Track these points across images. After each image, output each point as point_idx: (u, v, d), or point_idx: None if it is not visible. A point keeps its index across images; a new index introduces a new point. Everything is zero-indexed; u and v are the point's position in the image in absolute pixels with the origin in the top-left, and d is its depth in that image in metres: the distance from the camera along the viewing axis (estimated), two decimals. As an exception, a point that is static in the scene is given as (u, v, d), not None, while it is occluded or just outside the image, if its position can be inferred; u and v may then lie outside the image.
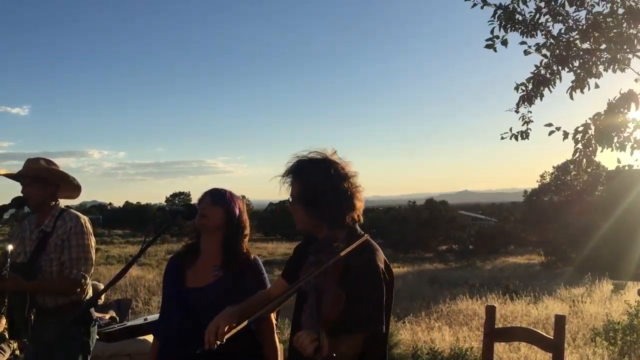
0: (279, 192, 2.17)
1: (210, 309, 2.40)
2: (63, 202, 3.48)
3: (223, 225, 2.52)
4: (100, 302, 5.99)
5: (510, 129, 5.93)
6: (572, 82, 5.72)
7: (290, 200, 2.13)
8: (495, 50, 5.62)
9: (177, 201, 66.29)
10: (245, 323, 2.03)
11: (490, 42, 5.63)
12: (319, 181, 2.05)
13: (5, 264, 3.01)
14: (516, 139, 5.93)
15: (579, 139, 5.48)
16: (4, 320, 4.74)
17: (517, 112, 5.93)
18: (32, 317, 3.19)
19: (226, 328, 2.06)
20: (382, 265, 2.02)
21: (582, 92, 5.69)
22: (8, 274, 3.02)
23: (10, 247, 3.08)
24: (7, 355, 4.72)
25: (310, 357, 1.74)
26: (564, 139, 5.54)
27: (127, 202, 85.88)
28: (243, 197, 2.76)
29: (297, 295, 2.15)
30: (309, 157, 2.11)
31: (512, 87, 5.94)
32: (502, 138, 5.97)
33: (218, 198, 2.55)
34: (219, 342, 2.03)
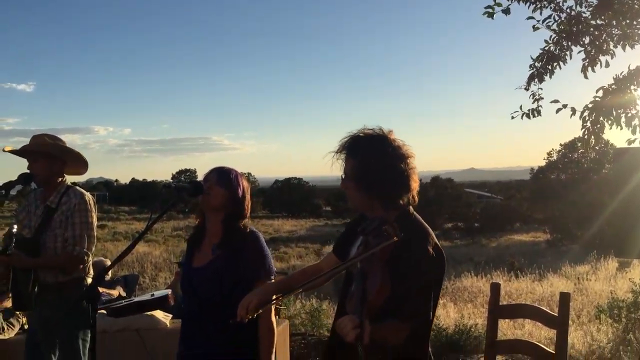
0: (331, 168, 2.10)
1: (207, 287, 2.48)
2: (71, 179, 3.50)
3: (225, 205, 2.52)
4: (108, 277, 6.04)
5: (521, 107, 5.87)
6: (583, 59, 5.64)
7: (344, 177, 2.07)
8: (493, 18, 5.42)
9: (183, 178, 66.53)
10: (275, 300, 2.09)
11: (489, 10, 5.44)
12: (375, 159, 1.99)
13: (10, 243, 3.04)
14: (528, 117, 5.87)
15: (587, 117, 5.44)
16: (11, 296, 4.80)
17: (527, 89, 5.87)
18: (36, 290, 3.24)
19: (257, 303, 2.12)
20: (432, 251, 1.95)
21: (592, 70, 5.62)
22: (13, 251, 3.05)
23: (15, 227, 3.11)
24: (16, 329, 4.78)
25: (352, 344, 1.71)
26: (571, 115, 5.49)
27: (133, 178, 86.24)
28: (249, 174, 2.74)
29: (344, 278, 2.12)
30: (365, 134, 2.05)
31: (522, 64, 5.88)
32: (513, 117, 5.91)
33: (224, 178, 2.54)
34: (249, 316, 2.10)
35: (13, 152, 3.37)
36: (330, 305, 9.85)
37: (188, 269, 2.61)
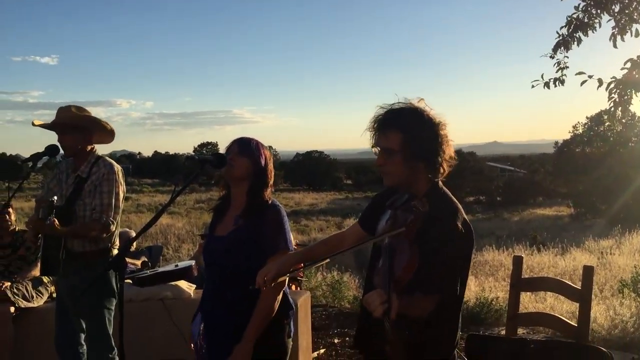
0: (363, 144, 2.04)
1: (227, 257, 2.50)
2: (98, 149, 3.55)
3: (249, 176, 2.53)
4: (133, 248, 6.15)
5: (542, 76, 5.76)
6: (613, 27, 5.50)
7: (385, 152, 1.99)
8: None
9: (204, 151, 66.96)
10: (299, 271, 2.11)
11: None
12: (419, 129, 1.95)
13: (50, 213, 3.12)
14: (548, 86, 5.76)
15: (614, 89, 5.32)
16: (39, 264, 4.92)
17: (552, 57, 5.75)
18: (64, 257, 3.33)
19: (275, 273, 2.15)
20: (461, 226, 1.93)
21: (622, 39, 5.47)
22: (52, 221, 3.13)
23: (55, 198, 3.18)
24: (45, 297, 4.89)
25: (379, 318, 1.72)
26: (598, 87, 5.38)
27: (155, 151, 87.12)
28: (270, 147, 2.74)
29: (371, 252, 2.11)
30: (400, 107, 2.00)
31: (547, 35, 5.75)
32: (533, 86, 5.81)
33: (245, 148, 2.54)
34: (267, 286, 2.14)
35: (42, 126, 3.42)
36: (351, 277, 9.92)
37: (209, 238, 2.65)
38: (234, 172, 2.51)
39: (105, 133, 3.53)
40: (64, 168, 3.52)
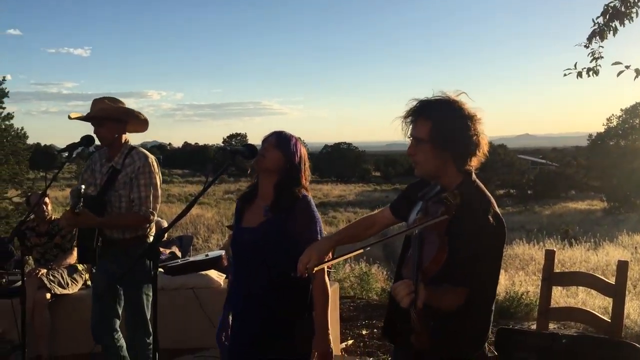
0: (393, 136, 2.07)
1: (256, 248, 2.49)
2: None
3: (280, 169, 2.52)
4: (164, 238, 6.24)
5: (575, 65, 5.62)
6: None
7: (415, 141, 2.01)
8: None
9: (233, 142, 67.40)
10: (339, 259, 2.13)
11: None
12: (452, 120, 1.95)
13: (79, 202, 3.17)
14: (580, 75, 5.62)
15: (652, 79, 5.18)
16: (75, 252, 5.03)
17: (587, 47, 5.61)
18: (99, 246, 3.42)
19: (316, 259, 2.17)
20: (492, 219, 1.91)
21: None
22: (81, 210, 3.18)
23: (83, 187, 3.22)
24: (80, 285, 5.01)
25: (406, 309, 1.72)
26: (635, 77, 5.24)
27: (185, 142, 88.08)
28: (298, 138, 2.73)
29: (403, 243, 2.12)
30: (433, 98, 2.01)
31: (581, 25, 5.63)
32: (565, 75, 5.68)
33: (282, 142, 2.53)
34: (307, 274, 2.16)
35: (79, 118, 3.49)
36: (380, 269, 9.90)
37: (238, 229, 2.63)
38: (264, 162, 2.50)
39: (139, 122, 3.59)
40: (97, 158, 3.58)
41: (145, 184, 3.40)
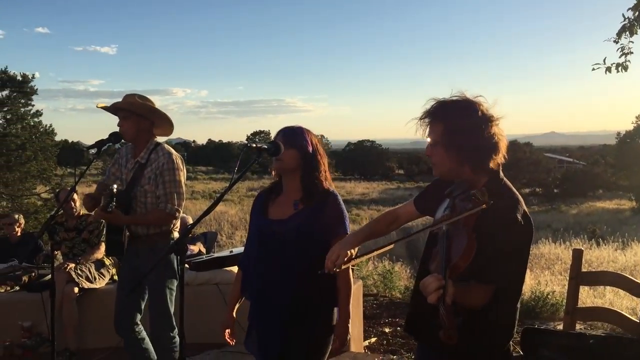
0: (416, 134, 2.06)
1: (285, 239, 2.53)
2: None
3: (299, 166, 2.55)
4: (189, 234, 6.30)
5: (604, 60, 5.52)
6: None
7: (430, 143, 2.02)
8: None
9: (257, 139, 67.68)
10: (366, 257, 2.13)
11: None
12: (464, 121, 1.94)
13: (111, 202, 3.24)
14: (609, 71, 5.52)
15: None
16: (102, 247, 5.11)
17: (616, 42, 5.51)
18: (127, 240, 3.48)
19: (344, 256, 2.15)
20: (520, 217, 1.91)
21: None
22: (113, 209, 3.25)
23: (115, 187, 3.29)
24: (107, 279, 5.09)
25: (433, 304, 1.71)
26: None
27: (209, 139, 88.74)
28: (322, 136, 2.75)
29: (427, 240, 2.12)
30: (450, 99, 2.00)
31: (609, 22, 5.53)
32: (593, 69, 5.58)
33: (290, 138, 2.54)
34: (336, 269, 2.13)
35: (105, 108, 3.54)
36: (403, 267, 9.88)
37: (265, 221, 2.65)
38: (284, 165, 2.55)
39: (165, 124, 3.61)
40: (124, 153, 3.63)
41: (170, 180, 3.44)
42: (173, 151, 3.55)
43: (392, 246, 2.04)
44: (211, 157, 74.65)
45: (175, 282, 3.50)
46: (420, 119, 2.03)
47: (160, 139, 3.64)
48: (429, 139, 2.03)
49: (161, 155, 3.47)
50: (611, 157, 46.82)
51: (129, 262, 3.56)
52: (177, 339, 3.50)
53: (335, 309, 2.59)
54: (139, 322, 3.64)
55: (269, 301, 2.58)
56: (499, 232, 1.84)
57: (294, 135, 2.56)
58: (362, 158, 63.41)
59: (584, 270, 3.17)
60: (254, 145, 2.32)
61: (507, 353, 2.05)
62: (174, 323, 3.52)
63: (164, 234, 3.49)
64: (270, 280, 2.57)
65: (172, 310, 3.50)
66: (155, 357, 3.62)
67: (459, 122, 1.95)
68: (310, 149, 2.56)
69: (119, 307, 3.61)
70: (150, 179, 3.45)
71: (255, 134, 69.32)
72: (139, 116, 3.45)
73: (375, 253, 2.10)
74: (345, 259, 2.14)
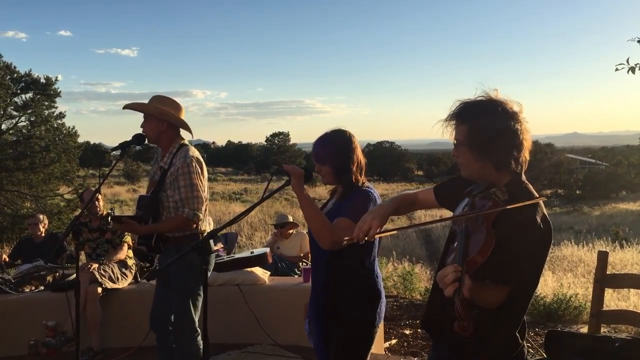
0: (439, 135, 2.08)
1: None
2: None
3: (336, 177, 2.68)
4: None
5: (627, 60, 5.43)
6: None
7: (456, 144, 2.03)
8: None
9: (276, 141, 67.85)
10: (390, 233, 2.14)
11: None
12: (486, 122, 1.95)
13: (108, 223, 3.38)
14: (633, 71, 5.42)
15: None
16: (125, 248, 5.17)
17: (640, 42, 5.42)
18: (160, 243, 3.51)
19: (376, 227, 2.10)
20: (539, 220, 1.90)
21: None
22: (125, 220, 3.43)
23: (112, 211, 3.42)
24: (129, 279, 5.15)
25: (450, 297, 1.71)
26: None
27: (229, 141, 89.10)
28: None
29: (447, 237, 2.12)
30: (473, 99, 2.01)
31: (634, 20, 5.45)
32: (617, 69, 5.49)
33: (319, 157, 2.67)
34: (366, 239, 2.09)
35: (129, 106, 3.58)
36: (423, 269, 9.83)
37: None
38: (326, 181, 2.71)
39: (182, 127, 3.63)
40: (159, 154, 3.67)
41: (185, 185, 3.42)
42: (191, 153, 3.51)
43: (419, 225, 2.04)
44: (231, 158, 74.97)
45: (200, 286, 3.47)
46: (446, 120, 2.04)
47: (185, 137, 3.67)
48: (455, 141, 2.04)
49: (178, 159, 3.47)
50: (634, 157, 46.11)
51: (161, 262, 3.60)
52: (198, 342, 3.49)
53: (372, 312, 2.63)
54: (172, 320, 3.65)
55: (313, 300, 2.75)
56: (518, 234, 1.84)
57: (320, 153, 2.68)
58: (381, 159, 63.21)
59: (607, 272, 3.13)
60: (284, 169, 2.48)
61: (520, 355, 2.04)
62: (196, 327, 3.49)
63: (191, 237, 3.47)
64: (314, 278, 2.77)
65: (195, 314, 3.47)
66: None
67: (481, 121, 1.95)
68: (338, 158, 2.65)
69: (154, 302, 3.64)
70: (170, 183, 3.46)
71: (274, 135, 69.44)
72: (155, 119, 3.48)
73: (402, 228, 2.09)
74: (376, 229, 2.09)
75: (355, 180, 2.66)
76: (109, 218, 3.35)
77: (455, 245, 1.88)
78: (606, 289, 3.19)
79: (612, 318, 3.46)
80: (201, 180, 3.51)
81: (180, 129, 3.61)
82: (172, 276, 3.46)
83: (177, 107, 3.59)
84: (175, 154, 3.50)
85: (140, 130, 3.52)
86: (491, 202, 1.83)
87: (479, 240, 1.79)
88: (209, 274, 3.59)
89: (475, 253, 1.77)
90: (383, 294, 2.70)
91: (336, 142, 2.67)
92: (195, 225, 3.49)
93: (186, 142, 3.62)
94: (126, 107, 3.57)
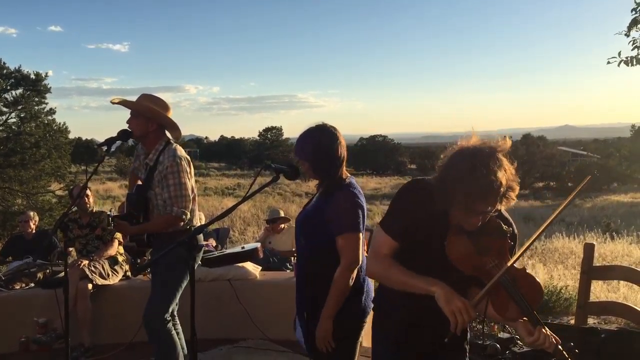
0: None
1: (299, 231, 2.72)
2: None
3: (314, 173, 2.69)
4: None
5: (619, 54, 5.47)
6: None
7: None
8: None
9: (269, 136, 67.75)
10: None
11: None
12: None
13: (109, 224, 3.46)
14: (626, 64, 5.47)
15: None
16: (116, 244, 5.16)
17: (627, 35, 5.46)
18: (151, 239, 3.56)
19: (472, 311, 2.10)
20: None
21: None
22: (116, 222, 3.47)
23: (110, 212, 3.51)
24: (120, 276, 5.14)
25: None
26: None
27: (222, 136, 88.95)
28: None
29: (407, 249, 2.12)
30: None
31: (625, 13, 5.48)
32: (609, 62, 5.54)
33: (299, 153, 2.69)
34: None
35: (119, 102, 3.57)
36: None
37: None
38: (308, 176, 2.73)
39: (172, 128, 3.63)
40: (141, 151, 3.66)
41: (174, 183, 3.45)
42: (179, 152, 3.53)
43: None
44: (223, 153, 74.81)
45: (183, 280, 3.50)
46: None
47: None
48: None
49: (166, 158, 3.47)
50: (626, 150, 46.34)
51: (153, 257, 3.62)
52: (169, 326, 3.52)
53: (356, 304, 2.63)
54: (175, 315, 3.66)
55: (298, 293, 2.78)
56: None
57: (300, 150, 2.69)
58: (374, 153, 63.21)
59: (597, 264, 3.16)
60: (273, 166, 2.44)
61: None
62: (169, 308, 3.51)
63: (182, 233, 3.50)
64: (299, 271, 2.81)
65: (172, 295, 3.50)
66: (182, 353, 3.61)
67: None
68: (315, 157, 2.65)
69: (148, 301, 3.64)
70: (158, 181, 3.48)
71: (267, 129, 69.30)
72: (142, 116, 3.48)
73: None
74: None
75: (334, 174, 2.65)
76: (110, 219, 3.46)
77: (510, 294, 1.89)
78: (596, 280, 3.22)
79: (599, 309, 3.49)
80: (189, 179, 3.55)
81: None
82: (158, 267, 3.50)
83: (167, 107, 3.60)
84: (161, 151, 3.50)
85: (126, 126, 3.51)
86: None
87: (530, 282, 1.92)
88: (196, 266, 3.60)
89: (533, 293, 1.91)
90: (371, 287, 2.69)
91: (315, 138, 2.66)
92: (182, 223, 3.52)
93: (171, 139, 3.62)
94: (119, 103, 3.55)
